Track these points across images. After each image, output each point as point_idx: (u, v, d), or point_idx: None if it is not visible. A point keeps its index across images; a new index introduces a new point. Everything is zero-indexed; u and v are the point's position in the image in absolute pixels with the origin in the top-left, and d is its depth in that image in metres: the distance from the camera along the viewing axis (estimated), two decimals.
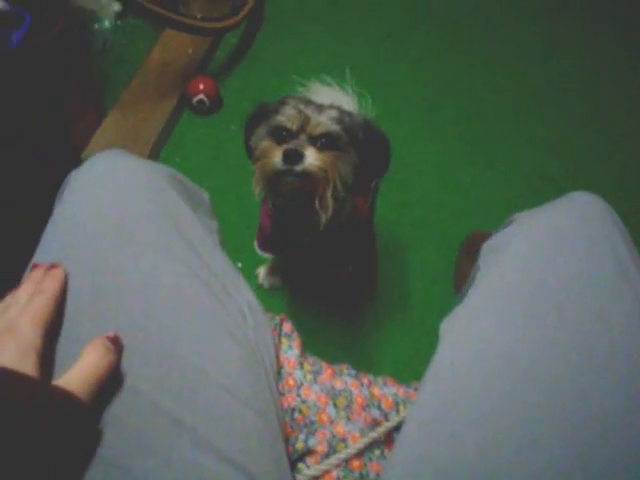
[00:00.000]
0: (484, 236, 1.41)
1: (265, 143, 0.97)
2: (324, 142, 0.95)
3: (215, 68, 1.79)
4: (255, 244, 1.30)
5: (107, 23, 1.81)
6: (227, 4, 1.75)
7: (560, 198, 0.76)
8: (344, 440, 0.72)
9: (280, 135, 0.96)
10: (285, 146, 0.93)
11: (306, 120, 0.95)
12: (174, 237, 0.68)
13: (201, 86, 1.64)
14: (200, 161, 1.62)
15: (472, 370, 0.63)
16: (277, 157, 0.93)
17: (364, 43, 1.89)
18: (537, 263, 0.68)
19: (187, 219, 0.72)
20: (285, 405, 0.74)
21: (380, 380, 0.80)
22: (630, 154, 1.66)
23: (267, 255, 1.32)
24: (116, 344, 0.56)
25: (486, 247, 0.83)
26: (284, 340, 0.80)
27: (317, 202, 0.96)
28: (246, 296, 0.73)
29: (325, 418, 0.74)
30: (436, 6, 1.99)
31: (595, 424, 0.54)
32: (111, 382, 0.54)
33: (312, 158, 0.92)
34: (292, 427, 0.73)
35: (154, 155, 1.60)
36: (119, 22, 1.86)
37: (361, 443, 0.71)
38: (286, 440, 0.71)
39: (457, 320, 0.72)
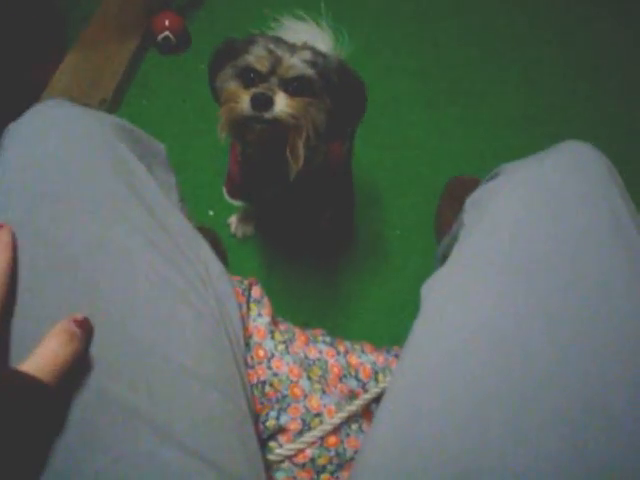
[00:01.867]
0: (467, 181, 1.36)
1: (231, 86, 0.89)
2: (296, 86, 0.87)
3: (181, 3, 1.68)
4: (224, 191, 1.23)
5: None
6: None
7: (550, 148, 0.70)
8: (319, 415, 0.67)
9: (248, 77, 0.88)
10: (254, 90, 0.85)
11: (277, 61, 0.86)
12: (124, 196, 0.61)
13: (166, 22, 1.53)
14: (168, 103, 1.53)
15: (456, 344, 0.58)
16: (244, 102, 0.85)
17: None
18: (526, 222, 0.62)
19: (139, 174, 0.65)
20: (255, 379, 0.68)
21: (357, 347, 0.75)
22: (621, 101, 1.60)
23: (237, 203, 1.25)
24: (84, 328, 0.49)
25: (469, 202, 0.76)
26: (253, 306, 0.73)
27: (288, 151, 0.88)
28: (206, 260, 0.67)
29: (298, 392, 0.68)
30: None
31: (596, 414, 0.49)
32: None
33: (283, 104, 0.85)
34: (262, 403, 0.67)
35: (118, 97, 1.50)
36: None
37: (337, 418, 0.66)
38: (256, 418, 0.66)
39: (440, 285, 0.67)
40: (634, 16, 1.75)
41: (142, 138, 0.73)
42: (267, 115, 0.85)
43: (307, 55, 0.88)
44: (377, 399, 0.70)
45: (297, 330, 0.75)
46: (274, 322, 0.74)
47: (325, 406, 0.68)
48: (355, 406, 0.68)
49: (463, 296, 0.61)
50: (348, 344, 0.75)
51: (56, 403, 0.47)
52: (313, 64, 0.88)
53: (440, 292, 0.65)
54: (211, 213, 1.38)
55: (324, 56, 0.90)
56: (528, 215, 0.63)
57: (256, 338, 0.71)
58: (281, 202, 1.22)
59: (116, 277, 0.56)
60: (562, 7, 1.77)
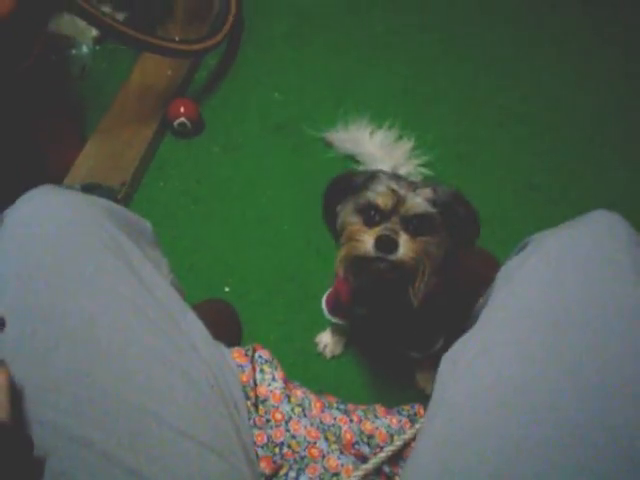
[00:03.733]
0: (475, 253, 1.40)
1: (354, 224, 0.89)
2: (417, 224, 0.87)
3: (195, 90, 1.77)
4: (324, 306, 1.21)
5: (85, 48, 1.79)
6: (205, 25, 1.73)
7: (580, 217, 0.73)
8: (337, 474, 0.70)
9: (369, 214, 0.88)
10: (379, 232, 0.85)
11: (400, 200, 0.86)
12: (115, 270, 0.66)
13: (182, 109, 1.62)
14: (184, 185, 1.60)
15: (488, 402, 0.60)
16: (368, 243, 0.85)
17: (345, 57, 1.87)
18: (556, 284, 0.64)
19: (128, 250, 0.70)
20: (274, 440, 0.71)
21: (370, 413, 0.78)
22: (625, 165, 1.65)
23: (336, 320, 1.21)
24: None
25: (500, 273, 0.79)
26: (266, 368, 0.77)
27: (410, 290, 0.88)
28: (194, 328, 0.71)
29: (316, 452, 0.71)
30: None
31: (622, 463, 0.51)
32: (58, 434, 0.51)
33: (407, 247, 0.84)
34: (275, 462, 0.70)
35: (137, 180, 1.57)
36: (97, 47, 1.84)
37: (354, 477, 0.69)
38: (273, 478, 0.68)
39: (469, 344, 0.69)
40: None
41: (129, 218, 0.78)
42: (391, 257, 0.84)
43: (428, 193, 0.88)
44: (391, 459, 0.72)
45: (313, 396, 0.78)
46: (288, 386, 0.77)
47: (343, 466, 0.70)
48: (372, 465, 0.70)
49: (492, 354, 0.63)
50: (361, 412, 0.78)
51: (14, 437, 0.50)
52: (434, 202, 0.87)
53: (469, 351, 0.67)
54: (227, 289, 1.42)
55: (441, 189, 0.91)
56: (557, 277, 0.65)
57: (272, 401, 0.74)
58: (387, 323, 1.14)
59: (110, 348, 0.59)
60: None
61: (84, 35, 1.82)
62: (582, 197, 1.57)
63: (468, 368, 0.65)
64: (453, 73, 1.85)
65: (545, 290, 0.64)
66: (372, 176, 0.91)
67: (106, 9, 1.78)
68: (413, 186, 0.89)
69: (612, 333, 0.58)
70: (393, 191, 0.87)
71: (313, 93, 1.77)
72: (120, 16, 1.81)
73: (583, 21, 1.95)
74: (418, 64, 1.87)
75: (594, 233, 0.67)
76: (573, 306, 0.61)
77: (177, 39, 1.64)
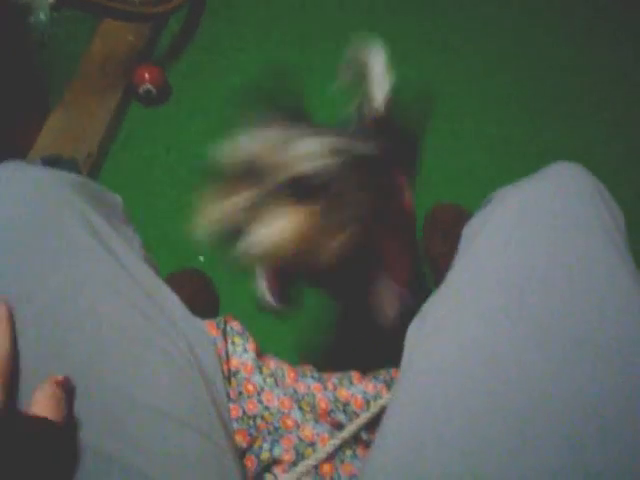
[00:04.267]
0: (448, 208, 1.39)
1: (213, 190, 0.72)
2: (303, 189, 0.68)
3: (160, 55, 1.72)
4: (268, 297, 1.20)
5: (42, 16, 1.72)
6: None
7: (540, 170, 0.72)
8: (312, 444, 0.68)
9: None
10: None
11: (277, 159, 0.69)
12: (86, 246, 0.63)
13: (146, 75, 1.57)
14: (153, 154, 1.56)
15: (453, 371, 0.58)
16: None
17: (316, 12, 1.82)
18: (519, 243, 0.63)
19: (99, 225, 0.67)
20: (240, 412, 0.69)
21: (346, 380, 0.76)
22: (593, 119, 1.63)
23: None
24: (66, 389, 0.51)
25: (465, 230, 0.77)
26: (237, 340, 0.75)
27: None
28: (172, 304, 0.69)
29: (290, 423, 0.69)
30: None
31: (592, 420, 0.50)
32: None
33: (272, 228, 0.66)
34: (251, 435, 0.68)
35: (103, 150, 1.53)
36: (55, 14, 1.77)
37: (330, 446, 0.67)
38: (246, 450, 0.67)
39: (435, 306, 0.68)
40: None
41: (98, 192, 0.74)
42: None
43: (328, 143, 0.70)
44: (368, 425, 0.71)
45: (286, 367, 0.76)
46: (261, 357, 0.75)
47: (318, 435, 0.69)
48: (347, 433, 0.69)
49: (458, 315, 0.62)
50: (336, 379, 0.76)
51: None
52: (339, 151, 0.70)
53: (437, 313, 0.66)
54: (201, 259, 1.40)
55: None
56: (521, 236, 0.64)
57: (243, 373, 0.72)
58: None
59: (82, 327, 0.57)
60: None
61: (41, 2, 1.75)
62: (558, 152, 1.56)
63: (434, 331, 0.64)
64: (427, 24, 1.81)
65: (508, 249, 0.63)
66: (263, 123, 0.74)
67: None
68: (309, 134, 0.71)
69: (578, 297, 0.57)
70: (272, 146, 0.69)
71: (281, 52, 1.73)
72: None
73: None
74: (391, 16, 1.83)
75: (556, 186, 0.66)
76: (538, 265, 0.60)
77: (137, 1, 1.58)
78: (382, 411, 0.71)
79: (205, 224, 0.72)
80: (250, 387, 0.71)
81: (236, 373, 0.72)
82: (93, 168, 1.48)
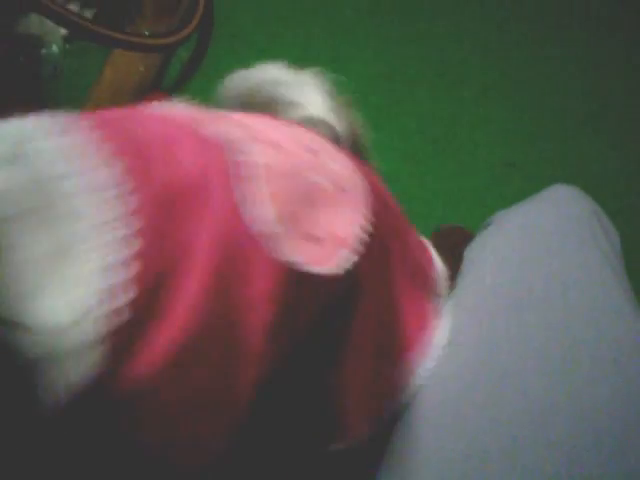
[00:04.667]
0: (453, 229, 1.42)
1: None
2: None
3: (169, 84, 1.77)
4: None
5: (55, 48, 1.78)
6: (174, 19, 1.72)
7: (539, 194, 0.75)
8: None
9: None
10: None
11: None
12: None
13: None
14: None
15: (454, 387, 0.62)
16: None
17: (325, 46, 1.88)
18: (517, 263, 0.67)
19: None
20: None
21: None
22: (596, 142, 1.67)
23: None
24: None
25: (466, 253, 0.81)
26: None
27: None
28: None
29: None
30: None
31: (587, 431, 0.53)
32: None
33: None
34: None
35: None
36: (67, 46, 1.83)
37: None
38: None
39: (438, 331, 0.70)
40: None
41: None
42: None
43: None
44: None
45: None
46: None
47: None
48: None
49: (459, 338, 0.65)
50: None
51: None
52: None
53: (439, 338, 0.69)
54: None
55: None
56: (520, 258, 0.68)
57: None
58: None
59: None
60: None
61: (53, 34, 1.80)
62: (559, 174, 1.59)
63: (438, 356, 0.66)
64: (427, 53, 1.86)
65: (507, 271, 0.66)
66: None
67: (74, 7, 1.76)
68: None
69: (574, 314, 0.60)
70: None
71: None
72: (88, 13, 1.80)
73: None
74: (391, 47, 1.87)
75: (553, 209, 0.70)
76: (536, 286, 0.63)
77: (147, 34, 1.63)
78: None
79: None
80: None
81: None
82: None
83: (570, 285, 0.62)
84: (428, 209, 1.47)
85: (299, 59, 1.80)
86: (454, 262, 0.98)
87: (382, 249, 0.59)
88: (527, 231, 0.68)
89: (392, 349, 0.59)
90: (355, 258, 0.55)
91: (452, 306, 0.68)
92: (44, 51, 1.77)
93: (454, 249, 1.34)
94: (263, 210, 0.49)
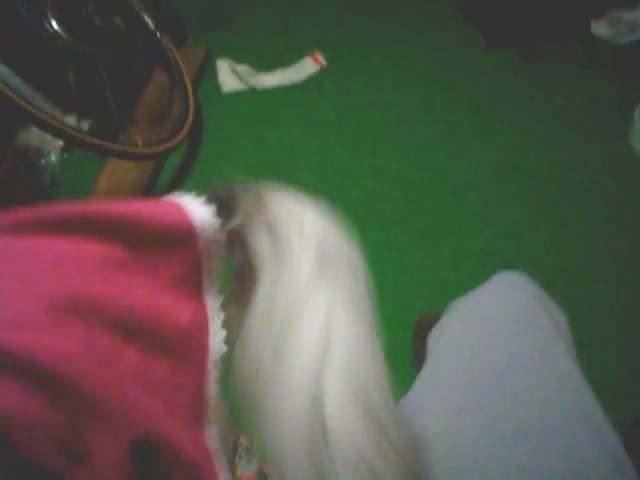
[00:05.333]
0: (432, 318, 1.47)
1: None
2: None
3: (162, 188, 1.86)
4: None
5: (53, 157, 1.88)
6: (165, 128, 1.83)
7: (487, 282, 0.82)
8: None
9: None
10: None
11: None
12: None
13: None
14: None
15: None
16: None
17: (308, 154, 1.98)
18: (471, 350, 0.73)
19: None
20: None
21: None
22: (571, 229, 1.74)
23: None
24: None
25: (429, 339, 0.87)
26: (243, 454, 0.82)
27: None
28: None
29: None
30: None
31: None
32: None
33: None
34: None
35: None
36: (65, 155, 1.93)
37: None
38: None
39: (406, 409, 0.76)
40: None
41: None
42: None
43: None
44: None
45: None
46: (263, 467, 0.82)
47: None
48: None
49: (421, 419, 0.70)
50: None
51: None
52: None
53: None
54: None
55: None
56: (472, 340, 0.74)
57: None
58: None
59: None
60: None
61: (52, 145, 1.91)
62: (537, 260, 1.66)
63: None
64: (408, 151, 1.95)
65: (462, 353, 0.72)
66: None
67: (71, 119, 1.88)
68: None
69: (523, 390, 0.66)
70: None
71: (272, 176, 1.86)
72: (85, 125, 1.91)
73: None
74: (377, 142, 1.97)
75: (500, 294, 0.77)
76: (487, 366, 0.69)
77: (139, 143, 1.74)
78: None
79: None
80: None
81: None
82: None
83: (517, 364, 0.68)
84: (411, 300, 1.52)
85: (284, 159, 1.92)
86: None
87: None
88: (477, 316, 0.75)
89: None
90: None
91: (414, 389, 0.74)
92: (43, 161, 1.87)
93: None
94: None
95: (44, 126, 1.53)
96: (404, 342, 1.49)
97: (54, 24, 1.52)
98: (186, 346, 0.52)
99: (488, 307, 0.76)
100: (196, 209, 0.58)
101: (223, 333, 0.55)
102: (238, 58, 2.17)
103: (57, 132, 1.55)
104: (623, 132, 1.84)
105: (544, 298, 0.77)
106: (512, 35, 2.17)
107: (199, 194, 0.60)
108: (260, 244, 0.61)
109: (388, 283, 1.62)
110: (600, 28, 1.99)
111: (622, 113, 1.86)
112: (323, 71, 2.15)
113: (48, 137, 1.88)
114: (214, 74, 2.15)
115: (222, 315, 0.56)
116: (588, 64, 2.04)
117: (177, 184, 1.87)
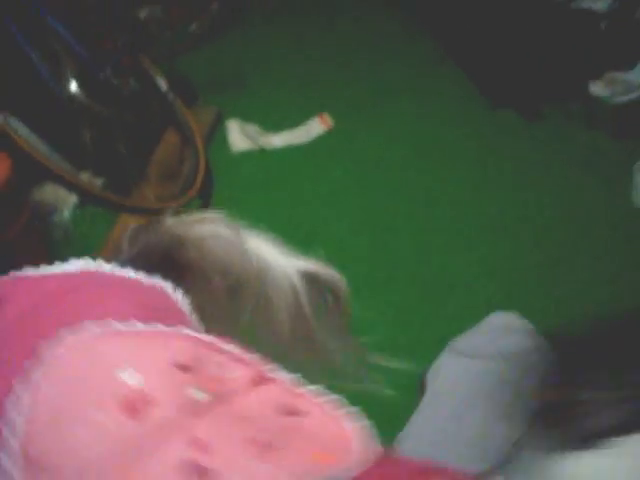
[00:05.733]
0: None
1: None
2: None
3: None
4: None
5: (66, 213, 1.92)
6: (177, 185, 1.89)
7: (483, 320, 0.86)
8: None
9: None
10: None
11: None
12: None
13: None
14: None
15: None
16: None
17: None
18: (460, 385, 0.77)
19: None
20: None
21: None
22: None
23: None
24: None
25: (428, 374, 0.91)
26: None
27: None
28: None
29: None
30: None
31: None
32: None
33: None
34: None
35: None
36: (78, 211, 1.97)
37: None
38: None
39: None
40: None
41: None
42: None
43: None
44: None
45: None
46: None
47: None
48: None
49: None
50: None
51: None
52: None
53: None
54: None
55: None
56: (463, 377, 0.78)
57: None
58: None
59: None
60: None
61: (66, 201, 1.96)
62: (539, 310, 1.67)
63: None
64: (409, 204, 1.99)
65: (453, 390, 0.76)
66: None
67: (85, 175, 1.93)
68: None
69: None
70: None
71: (281, 236, 1.90)
72: (99, 181, 1.96)
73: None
74: (383, 200, 2.01)
75: (492, 334, 0.80)
76: (474, 400, 0.73)
77: (151, 199, 1.79)
78: None
79: None
80: None
81: None
82: None
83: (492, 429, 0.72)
84: (412, 355, 1.52)
85: (288, 221, 1.96)
86: None
87: None
88: (468, 354, 0.79)
89: None
90: None
91: (416, 415, 0.78)
92: (56, 217, 1.91)
93: None
94: None
95: (60, 181, 1.58)
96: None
97: (72, 86, 1.59)
98: None
99: (480, 346, 0.80)
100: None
101: None
102: (248, 118, 2.25)
103: (72, 187, 1.60)
104: (624, 187, 1.88)
105: (535, 336, 0.81)
106: (515, 96, 2.24)
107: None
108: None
109: (388, 337, 1.63)
110: (598, 88, 2.07)
111: (622, 169, 1.91)
112: (330, 131, 2.22)
113: (62, 193, 1.93)
114: (224, 133, 2.22)
115: None
116: (588, 123, 2.11)
117: None
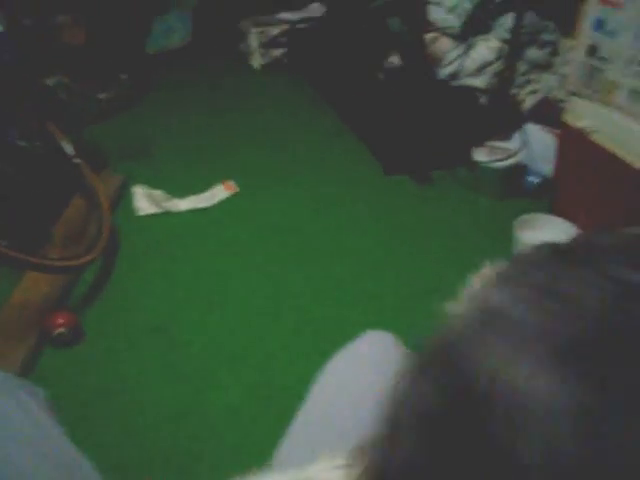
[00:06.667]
0: None
1: None
2: None
3: (75, 302, 1.90)
4: None
5: None
6: (81, 247, 1.92)
7: (355, 339, 0.92)
8: None
9: None
10: None
11: None
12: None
13: (60, 320, 1.73)
14: (65, 392, 1.65)
15: None
16: None
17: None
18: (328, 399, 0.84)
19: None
20: None
21: None
22: None
23: None
24: None
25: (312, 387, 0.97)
26: None
27: None
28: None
29: None
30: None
31: None
32: None
33: None
34: None
35: None
36: None
37: None
38: None
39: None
40: None
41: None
42: None
43: None
44: None
45: None
46: None
47: None
48: None
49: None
50: None
51: None
52: None
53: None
54: None
55: None
56: (330, 392, 0.86)
57: None
58: None
59: None
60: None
61: None
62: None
63: None
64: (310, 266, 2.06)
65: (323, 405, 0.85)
66: None
67: None
68: None
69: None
70: None
71: (183, 298, 1.94)
72: (3, 240, 1.96)
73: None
74: (284, 260, 2.08)
75: (362, 351, 0.87)
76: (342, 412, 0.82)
77: (55, 257, 1.81)
78: None
79: None
80: None
81: None
82: None
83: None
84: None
85: (194, 276, 2.01)
86: None
87: None
88: (340, 373, 0.86)
89: None
90: None
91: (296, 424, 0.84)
92: None
93: None
94: None
95: None
96: None
97: None
98: None
99: (348, 363, 0.86)
100: None
101: None
102: (154, 185, 2.33)
103: None
104: (506, 241, 2.04)
105: (402, 349, 0.87)
106: (407, 164, 2.43)
107: None
108: None
109: (289, 382, 1.67)
110: (480, 155, 2.27)
111: (503, 225, 2.08)
112: (235, 195, 2.31)
113: None
114: (131, 198, 2.28)
115: None
116: (473, 185, 2.31)
117: (91, 299, 1.93)
